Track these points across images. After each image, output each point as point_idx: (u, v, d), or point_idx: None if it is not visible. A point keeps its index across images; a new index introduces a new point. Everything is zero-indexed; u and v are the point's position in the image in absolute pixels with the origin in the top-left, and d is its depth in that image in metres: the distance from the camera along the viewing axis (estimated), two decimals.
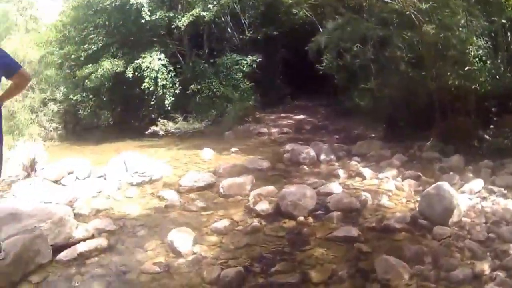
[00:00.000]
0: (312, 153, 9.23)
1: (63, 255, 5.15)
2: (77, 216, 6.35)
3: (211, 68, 15.04)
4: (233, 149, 10.76)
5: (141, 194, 7.62)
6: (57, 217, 5.60)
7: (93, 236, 5.64)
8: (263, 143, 12.03)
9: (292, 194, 6.34)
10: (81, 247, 5.26)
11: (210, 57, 15.86)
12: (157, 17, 14.16)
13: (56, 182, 8.51)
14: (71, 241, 5.46)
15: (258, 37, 15.96)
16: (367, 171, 7.98)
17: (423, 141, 9.16)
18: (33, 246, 4.98)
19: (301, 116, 15.55)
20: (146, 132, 13.89)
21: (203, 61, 15.20)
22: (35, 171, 9.05)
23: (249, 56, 15.07)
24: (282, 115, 16.08)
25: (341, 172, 8.22)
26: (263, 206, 6.39)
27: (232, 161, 9.26)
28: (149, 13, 13.94)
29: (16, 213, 5.54)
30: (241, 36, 16.34)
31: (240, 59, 15.02)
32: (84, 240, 5.48)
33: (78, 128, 16.11)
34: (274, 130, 13.38)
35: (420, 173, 7.58)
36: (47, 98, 15.82)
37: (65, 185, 8.33)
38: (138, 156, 8.84)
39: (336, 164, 9.00)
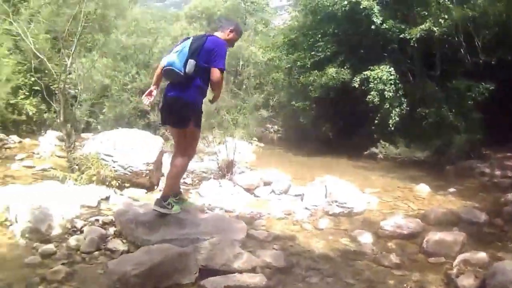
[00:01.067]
0: None
1: (208, 283, 4.18)
2: (249, 237, 5.46)
3: (441, 92, 13.14)
4: (451, 189, 9.00)
5: (333, 228, 6.42)
6: (224, 235, 4.87)
7: (253, 270, 4.53)
8: (484, 186, 9.88)
9: (503, 273, 4.35)
10: (232, 281, 4.21)
11: (441, 79, 13.80)
12: (387, 26, 12.91)
13: (248, 190, 7.89)
14: (225, 268, 4.43)
15: (492, 62, 13.35)
16: None
17: None
18: (178, 261, 4.29)
19: None
20: (365, 153, 12.78)
21: (434, 83, 13.40)
22: (232, 173, 8.47)
23: (482, 83, 12.69)
24: (508, 154, 13.05)
25: None
26: (467, 281, 4.63)
27: (446, 205, 7.61)
28: (380, 19, 12.80)
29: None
30: (473, 59, 13.85)
31: (473, 85, 12.71)
32: (241, 272, 4.39)
33: (295, 135, 15.44)
34: (498, 171, 10.99)
35: None
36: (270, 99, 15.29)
37: (257, 196, 7.75)
38: (343, 184, 7.62)
39: None
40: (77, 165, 7.63)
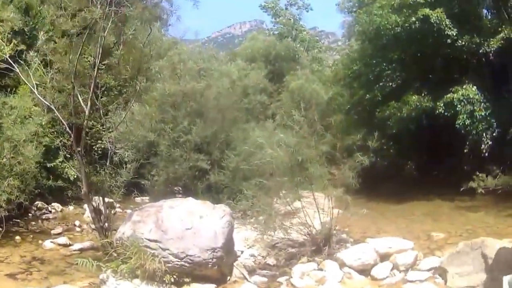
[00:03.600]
0: None
1: None
2: None
3: None
4: None
5: None
6: None
7: None
8: None
9: None
10: None
11: None
12: (462, 41, 11.24)
13: (363, 272, 5.80)
14: None
15: None
16: None
17: None
18: None
19: None
20: (462, 189, 10.52)
21: None
22: (331, 246, 6.33)
23: None
24: None
25: None
26: None
27: None
28: (455, 31, 11.11)
29: None
30: None
31: None
32: None
33: (371, 179, 13.09)
34: None
35: None
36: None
37: (379, 280, 5.64)
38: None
39: None
40: (114, 250, 5.72)
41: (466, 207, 9.78)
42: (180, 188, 10.12)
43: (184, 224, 5.47)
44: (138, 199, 9.85)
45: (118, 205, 9.33)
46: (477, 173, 10.60)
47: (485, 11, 12.78)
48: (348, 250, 6.05)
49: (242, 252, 6.53)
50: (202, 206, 5.91)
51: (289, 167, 5.84)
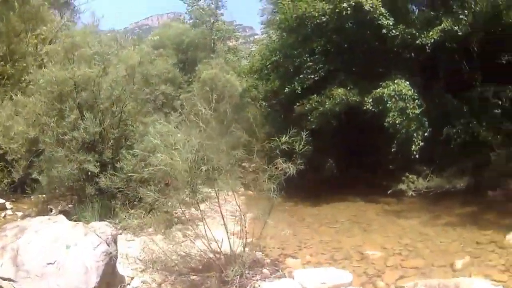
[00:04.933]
0: None
1: None
2: None
3: (463, 103, 10.76)
4: None
5: None
6: None
7: None
8: None
9: None
10: None
11: (460, 89, 11.35)
12: (397, 31, 10.39)
13: None
14: None
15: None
16: None
17: None
18: None
19: None
20: (389, 192, 9.84)
21: (450, 95, 11.03)
22: (241, 275, 4.79)
23: (509, 86, 10.52)
24: None
25: None
26: None
27: None
28: (391, 20, 10.28)
29: None
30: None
31: (500, 91, 10.47)
32: None
33: (288, 178, 12.06)
34: None
35: None
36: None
37: None
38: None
39: None
40: None
41: (395, 212, 9.00)
42: (68, 193, 8.41)
43: (45, 257, 3.98)
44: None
45: (10, 206, 8.42)
46: (407, 174, 9.95)
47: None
48: (267, 286, 4.69)
49: (132, 278, 5.09)
50: (71, 230, 4.35)
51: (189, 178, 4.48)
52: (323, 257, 6.31)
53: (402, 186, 9.79)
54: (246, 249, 5.11)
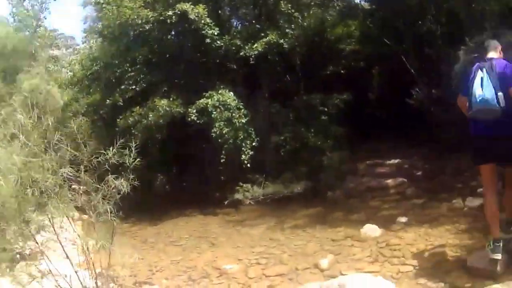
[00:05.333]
0: None
1: None
2: None
3: (290, 112, 11.26)
4: (402, 219, 7.01)
5: None
6: None
7: None
8: (396, 201, 8.55)
9: None
10: None
11: (285, 99, 11.93)
12: (221, 43, 10.49)
13: None
14: None
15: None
16: None
17: None
18: None
19: (396, 160, 12.18)
20: (226, 202, 9.80)
21: (278, 104, 11.43)
22: None
23: (335, 95, 11.49)
24: (368, 162, 12.36)
25: None
26: None
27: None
28: (216, 30, 10.28)
29: None
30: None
31: (326, 99, 11.34)
32: None
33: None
34: (385, 180, 10.19)
35: None
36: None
37: None
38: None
39: None
40: None
41: (238, 221, 8.78)
42: None
43: None
44: None
45: None
46: (241, 184, 9.96)
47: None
48: None
49: None
50: None
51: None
52: (180, 279, 5.89)
53: (238, 196, 9.84)
54: (99, 282, 4.40)
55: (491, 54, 4.67)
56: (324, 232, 7.11)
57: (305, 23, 11.08)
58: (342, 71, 13.40)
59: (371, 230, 6.56)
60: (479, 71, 4.46)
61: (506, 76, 4.35)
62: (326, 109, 11.27)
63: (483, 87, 4.35)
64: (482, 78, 4.39)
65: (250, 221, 8.63)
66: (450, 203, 7.46)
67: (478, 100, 4.36)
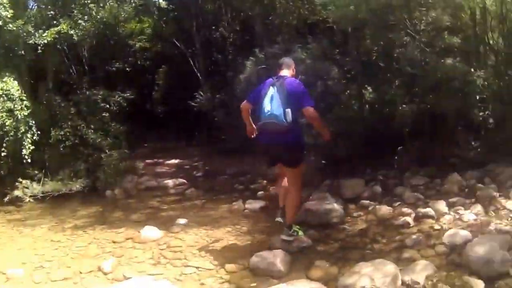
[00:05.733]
0: None
1: None
2: None
3: (71, 106, 10.68)
4: (182, 221, 7.07)
5: None
6: None
7: None
8: (176, 202, 8.65)
9: None
10: None
11: (70, 91, 11.72)
12: (13, 27, 9.34)
13: None
14: None
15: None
16: None
17: (381, 171, 7.99)
18: None
19: (176, 161, 12.88)
20: (5, 199, 8.95)
21: (61, 97, 10.87)
22: None
23: (118, 92, 11.47)
24: (148, 161, 12.86)
25: None
26: None
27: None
28: (9, 15, 9.10)
29: None
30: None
31: (108, 96, 11.14)
32: None
33: None
34: (165, 180, 10.41)
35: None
36: None
37: None
38: None
39: None
40: None
41: (19, 220, 8.01)
42: None
43: None
44: None
45: None
46: (20, 180, 9.16)
47: None
48: None
49: None
50: None
51: None
52: None
53: (18, 193, 9.02)
54: None
55: (284, 72, 5.35)
56: (104, 233, 6.90)
57: (98, 16, 10.60)
58: (128, 69, 13.32)
59: (151, 231, 6.50)
60: (271, 87, 5.10)
61: (298, 96, 5.02)
62: (108, 106, 11.04)
63: (272, 104, 4.97)
64: (272, 96, 5.02)
65: (31, 220, 7.97)
66: (230, 205, 7.75)
67: (266, 114, 5.00)
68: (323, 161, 8.68)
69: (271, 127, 5.05)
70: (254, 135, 5.61)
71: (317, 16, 10.58)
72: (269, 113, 5.00)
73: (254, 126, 5.56)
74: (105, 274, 5.27)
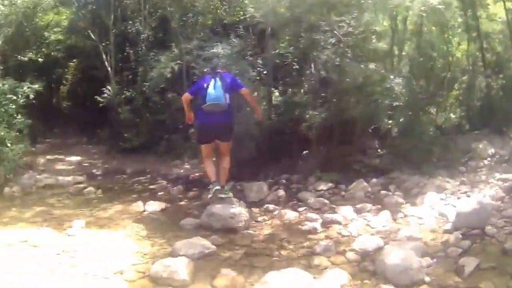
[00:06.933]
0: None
1: None
2: None
3: None
4: (79, 222, 5.99)
5: None
6: None
7: None
8: (74, 201, 7.70)
9: None
10: None
11: None
12: None
13: None
14: None
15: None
16: None
17: (285, 175, 7.75)
18: None
19: (77, 157, 11.98)
20: None
21: None
22: None
23: (27, 83, 10.05)
24: (49, 157, 11.84)
25: None
26: None
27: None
28: None
29: None
30: None
31: (17, 86, 9.78)
32: None
33: None
34: (64, 178, 9.42)
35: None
36: None
37: None
38: None
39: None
40: None
41: None
42: None
43: None
44: None
45: None
46: None
47: None
48: None
49: None
50: None
51: None
52: None
53: None
54: None
55: (220, 69, 6.55)
56: None
57: (18, 2, 9.46)
58: (40, 59, 12.18)
59: (46, 234, 5.48)
60: (212, 79, 6.06)
61: (233, 83, 6.21)
62: (15, 98, 9.69)
63: (215, 90, 5.96)
64: (214, 84, 6.01)
65: None
66: (130, 206, 6.99)
67: (212, 97, 5.95)
68: None
69: (214, 108, 6.01)
70: (192, 121, 6.64)
71: (235, 17, 10.51)
72: (214, 96, 5.97)
73: (192, 114, 6.51)
74: None
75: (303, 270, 3.99)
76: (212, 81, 6.07)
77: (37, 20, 13.79)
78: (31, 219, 6.48)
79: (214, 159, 6.77)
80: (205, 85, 6.09)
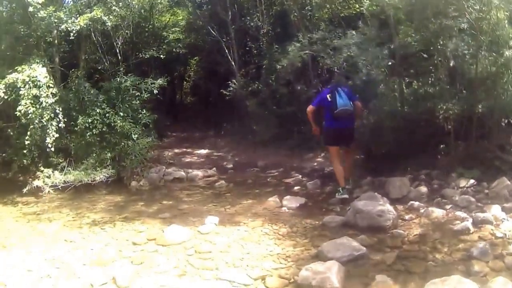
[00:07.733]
0: None
1: None
2: None
3: (101, 93, 9.61)
4: (211, 220, 5.80)
5: None
6: None
7: None
8: (205, 196, 7.64)
9: None
10: None
11: (102, 78, 11.07)
12: (44, 14, 8.44)
13: None
14: None
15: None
16: None
17: (424, 170, 7.02)
18: None
19: (205, 151, 11.96)
20: (25, 190, 7.92)
21: (93, 84, 10.03)
22: None
23: (150, 79, 10.11)
24: (176, 150, 11.95)
25: None
26: None
27: None
28: (40, 1, 8.18)
29: None
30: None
31: (140, 82, 9.86)
32: None
33: None
34: (193, 172, 9.40)
35: None
36: None
37: None
38: None
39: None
40: None
41: (35, 214, 6.93)
42: None
43: None
44: None
45: None
46: (42, 169, 8.29)
47: None
48: None
49: None
50: None
51: None
52: None
53: (38, 182, 8.02)
54: None
55: (336, 83, 7.45)
56: (124, 231, 5.79)
57: (133, 2, 9.91)
58: (161, 57, 12.73)
59: (177, 231, 5.36)
60: (335, 91, 6.74)
61: (351, 94, 6.90)
62: (139, 93, 9.93)
63: (342, 98, 6.66)
64: (340, 94, 6.68)
65: (47, 214, 6.88)
66: (265, 201, 6.74)
67: (341, 104, 6.62)
68: (361, 156, 8.02)
69: (344, 114, 6.68)
70: (318, 134, 7.39)
71: (350, 10, 10.31)
72: (343, 103, 6.68)
73: (318, 127, 7.22)
74: None
75: (464, 277, 3.55)
76: (335, 92, 6.80)
77: (154, 22, 14.26)
78: (160, 214, 6.46)
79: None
80: (327, 96, 6.85)
